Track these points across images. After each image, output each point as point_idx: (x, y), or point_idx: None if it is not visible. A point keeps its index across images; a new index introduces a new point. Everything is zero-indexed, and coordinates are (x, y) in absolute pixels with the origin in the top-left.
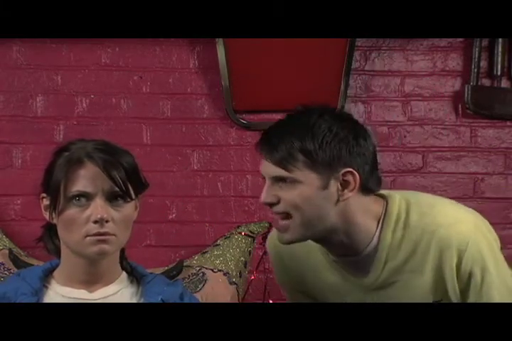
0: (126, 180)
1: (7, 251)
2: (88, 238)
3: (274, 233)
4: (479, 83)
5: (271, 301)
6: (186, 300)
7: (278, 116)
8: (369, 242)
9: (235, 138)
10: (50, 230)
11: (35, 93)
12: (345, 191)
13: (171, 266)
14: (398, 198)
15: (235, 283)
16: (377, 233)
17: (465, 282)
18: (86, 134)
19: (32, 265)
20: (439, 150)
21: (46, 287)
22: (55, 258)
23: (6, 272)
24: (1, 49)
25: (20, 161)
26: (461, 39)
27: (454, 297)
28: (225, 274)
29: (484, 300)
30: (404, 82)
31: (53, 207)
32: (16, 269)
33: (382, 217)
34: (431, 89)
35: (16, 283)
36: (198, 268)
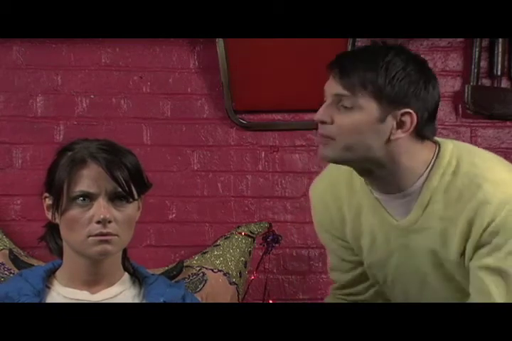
0: (129, 181)
1: (7, 251)
2: (91, 238)
3: (319, 178)
4: (479, 83)
5: (271, 301)
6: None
7: (278, 116)
8: (414, 182)
9: (235, 139)
10: (53, 230)
11: (35, 93)
12: (399, 131)
13: (171, 266)
14: (452, 146)
15: (235, 283)
16: (425, 175)
17: (486, 240)
18: (86, 134)
19: (32, 265)
20: None
21: (48, 287)
22: (57, 258)
23: (6, 272)
24: (1, 49)
25: (20, 161)
26: (461, 39)
27: (468, 252)
28: (225, 274)
29: (488, 265)
30: None
31: (56, 206)
32: (16, 269)
33: (432, 161)
34: None
35: (18, 284)
36: (198, 269)
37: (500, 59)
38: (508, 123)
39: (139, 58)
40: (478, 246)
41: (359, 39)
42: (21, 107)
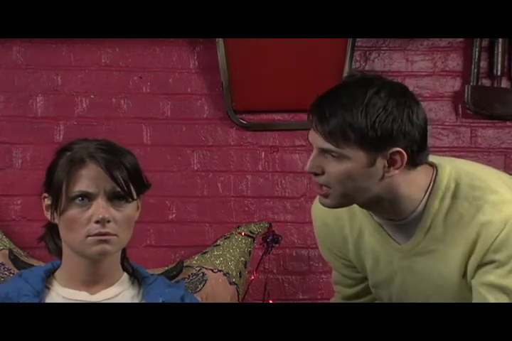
0: (128, 180)
1: (7, 252)
2: (90, 238)
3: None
4: (479, 83)
5: (271, 301)
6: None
7: (278, 117)
8: (414, 209)
9: (235, 139)
10: (52, 230)
11: (35, 93)
12: (391, 169)
13: (170, 266)
14: (449, 168)
15: (235, 283)
16: (424, 201)
17: (488, 258)
18: (86, 134)
19: (32, 265)
20: (439, 150)
21: (48, 288)
22: (56, 258)
23: (6, 272)
24: (1, 49)
25: (20, 161)
26: (461, 39)
27: (470, 270)
28: (225, 274)
29: (491, 282)
30: (404, 82)
31: (55, 206)
32: (16, 269)
33: (430, 186)
34: (431, 89)
35: (18, 284)
36: (198, 269)
37: (500, 59)
38: (508, 123)
39: (139, 58)
40: (480, 265)
41: (359, 39)
42: (21, 107)
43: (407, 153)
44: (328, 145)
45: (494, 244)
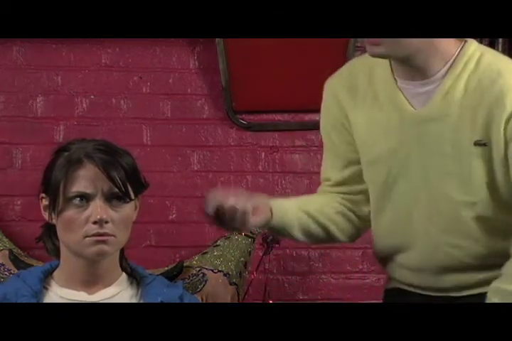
0: (126, 181)
1: (7, 252)
2: (87, 238)
3: (337, 72)
4: None
5: (271, 301)
6: (186, 302)
7: (278, 117)
8: (440, 69)
9: (235, 139)
10: (50, 230)
11: (35, 93)
12: None
13: (171, 266)
14: (476, 43)
15: (235, 284)
16: (450, 63)
17: None
18: (86, 135)
19: (32, 266)
20: None
21: (46, 288)
22: (55, 258)
23: (6, 273)
24: (1, 49)
25: (20, 162)
26: None
27: (499, 144)
28: (225, 275)
29: None
30: None
31: (53, 207)
32: (16, 270)
33: (458, 50)
34: None
35: (16, 285)
36: (198, 269)
37: None
38: None
39: (139, 59)
40: (507, 138)
41: (359, 39)
42: (21, 107)
43: None
44: None
45: None
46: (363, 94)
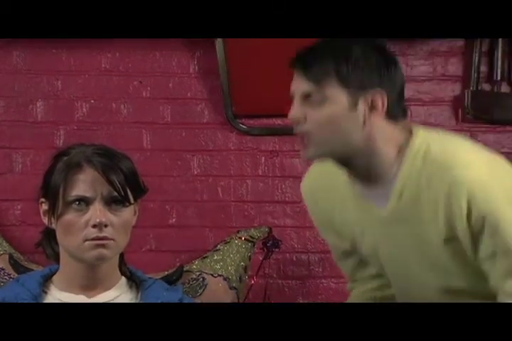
0: (125, 185)
1: (7, 256)
2: (87, 242)
3: (308, 174)
4: (479, 88)
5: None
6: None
7: (278, 121)
8: (390, 169)
9: (235, 143)
10: (49, 235)
11: (35, 98)
12: (372, 114)
13: (171, 270)
14: (423, 131)
15: (235, 288)
16: (398, 162)
17: (478, 226)
18: (86, 139)
19: (32, 270)
20: None
21: (45, 292)
22: (55, 263)
23: (6, 277)
24: (2, 54)
25: (20, 166)
26: (461, 44)
27: (466, 239)
28: (225, 279)
29: (500, 248)
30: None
31: (52, 211)
32: (16, 274)
33: (404, 146)
34: (431, 94)
35: (15, 289)
36: (198, 273)
37: (500, 64)
38: (508, 127)
39: (139, 63)
40: (476, 233)
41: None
42: (21, 112)
43: (387, 96)
44: (308, 86)
45: (474, 213)
46: (333, 198)
